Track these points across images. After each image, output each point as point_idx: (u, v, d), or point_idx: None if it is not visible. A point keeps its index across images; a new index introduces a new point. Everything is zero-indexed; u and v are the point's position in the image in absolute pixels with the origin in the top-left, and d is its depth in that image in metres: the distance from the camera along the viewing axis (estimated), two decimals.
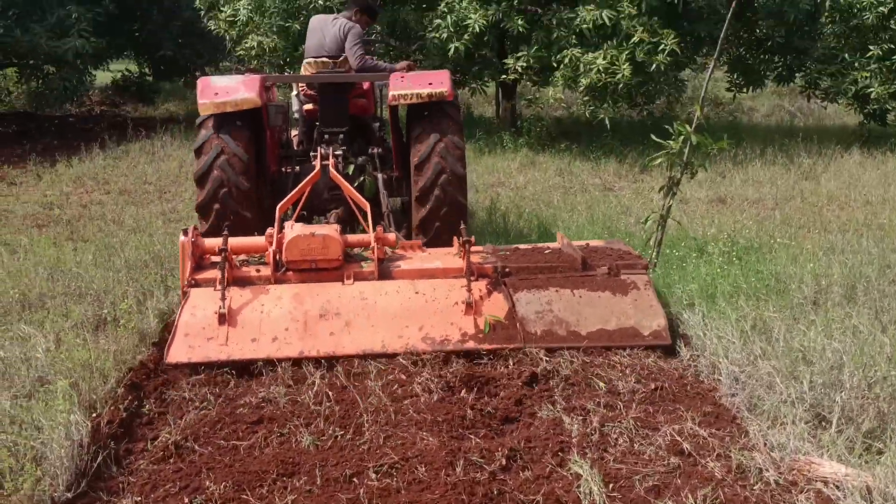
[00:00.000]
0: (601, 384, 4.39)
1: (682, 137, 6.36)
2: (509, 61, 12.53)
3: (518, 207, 9.34)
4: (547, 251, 5.41)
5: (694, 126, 6.34)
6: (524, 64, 12.29)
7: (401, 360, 4.62)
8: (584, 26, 11.86)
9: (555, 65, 12.16)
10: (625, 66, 11.43)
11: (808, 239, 7.55)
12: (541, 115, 15.42)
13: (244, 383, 4.50)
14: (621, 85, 11.59)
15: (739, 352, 4.50)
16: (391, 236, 5.23)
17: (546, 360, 4.57)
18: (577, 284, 4.95)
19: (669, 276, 5.96)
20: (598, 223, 7.97)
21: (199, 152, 5.88)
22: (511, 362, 4.64)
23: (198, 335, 4.61)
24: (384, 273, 4.98)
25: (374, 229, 5.11)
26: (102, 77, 21.35)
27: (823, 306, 5.28)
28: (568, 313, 4.80)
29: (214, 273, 4.83)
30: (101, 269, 6.19)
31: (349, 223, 6.14)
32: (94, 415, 4.02)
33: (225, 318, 4.62)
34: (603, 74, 11.52)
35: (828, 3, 13.47)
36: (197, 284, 4.89)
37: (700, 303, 5.25)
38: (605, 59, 11.51)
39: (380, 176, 6.56)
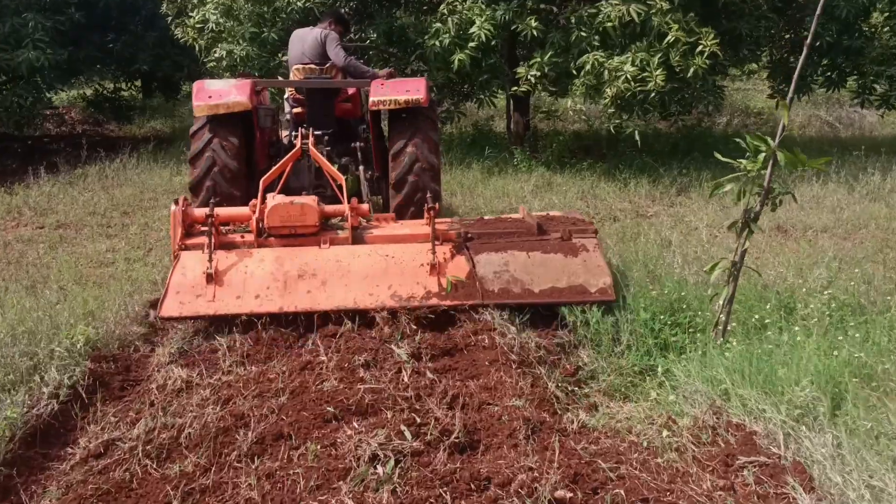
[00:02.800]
0: None
1: (762, 156, 4.53)
2: (521, 70, 10.73)
3: None
4: (508, 220, 5.85)
5: (779, 139, 4.53)
6: (538, 73, 10.49)
7: None
8: (609, 24, 10.07)
9: (574, 72, 10.36)
10: (657, 73, 9.62)
11: None
12: (558, 130, 13.68)
13: None
14: (653, 93, 9.77)
15: None
16: (364, 206, 5.67)
17: None
18: (533, 247, 5.36)
19: (757, 357, 4.11)
20: (637, 264, 6.13)
21: (193, 160, 6.53)
22: None
23: (188, 293, 5.01)
24: (357, 239, 5.43)
25: (350, 201, 5.57)
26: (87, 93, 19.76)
27: None
28: (523, 273, 5.22)
29: (202, 239, 5.23)
30: None
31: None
32: None
33: (212, 278, 5.04)
34: (632, 82, 9.70)
35: None
36: (187, 248, 5.29)
37: (822, 411, 3.41)
38: (633, 64, 9.70)
39: (361, 171, 6.91)
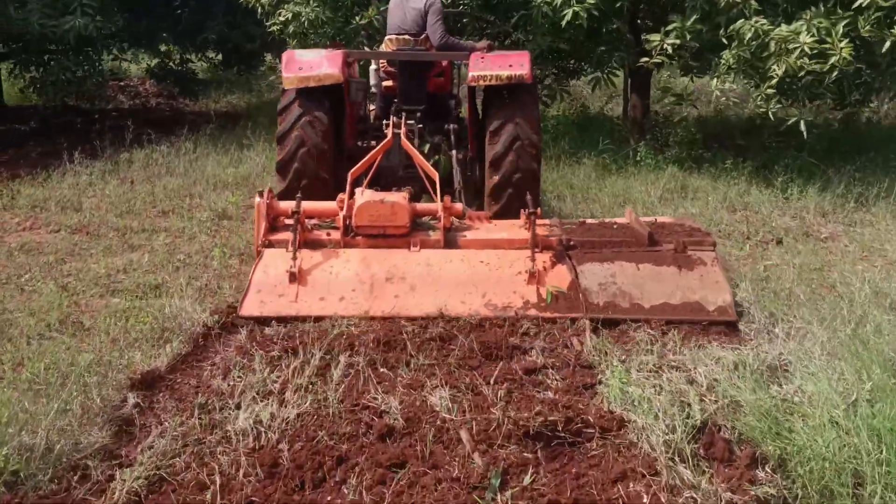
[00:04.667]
0: None
1: None
2: (654, 38, 8.49)
3: None
4: (614, 226, 5.35)
5: None
6: (677, 41, 8.26)
7: None
8: None
9: (724, 41, 8.09)
10: (843, 45, 7.28)
11: None
12: (680, 115, 11.40)
13: None
14: (836, 73, 7.41)
15: None
16: (458, 206, 5.28)
17: None
18: (643, 259, 4.87)
19: None
20: (871, 351, 3.99)
21: (283, 130, 6.04)
22: None
23: (270, 292, 4.75)
24: (450, 242, 5.09)
25: (443, 199, 5.15)
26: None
27: None
28: (631, 286, 4.73)
29: (287, 235, 4.95)
30: None
31: (421, 199, 6.00)
32: None
33: (295, 277, 4.77)
34: (808, 58, 7.37)
35: None
36: (271, 245, 5.04)
37: None
38: (810, 33, 7.38)
39: (454, 153, 6.41)
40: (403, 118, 6.24)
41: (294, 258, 4.80)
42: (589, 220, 5.53)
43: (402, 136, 5.97)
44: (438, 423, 3.46)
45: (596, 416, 3.46)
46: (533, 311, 4.59)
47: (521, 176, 5.87)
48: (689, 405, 3.58)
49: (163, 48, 15.32)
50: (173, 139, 10.67)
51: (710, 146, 10.17)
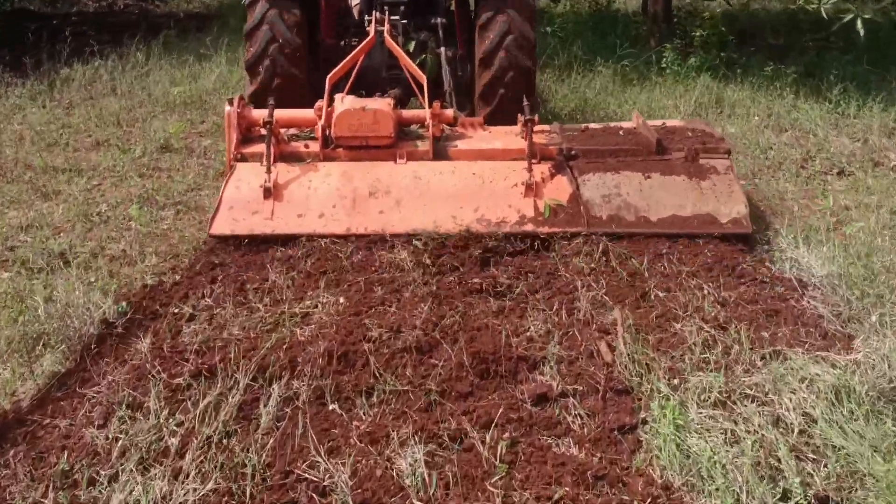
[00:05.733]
0: None
1: None
2: None
3: None
4: (620, 132, 4.85)
5: None
6: None
7: None
8: None
9: None
10: None
11: None
12: (716, 13, 9.88)
13: None
14: None
15: None
16: (449, 113, 4.80)
17: None
18: (650, 169, 4.44)
19: None
20: None
21: (248, 36, 5.53)
22: None
23: (242, 209, 4.35)
24: (440, 153, 4.65)
25: (432, 105, 4.64)
26: None
27: None
28: (638, 198, 4.33)
29: (261, 147, 4.51)
30: None
31: (408, 104, 5.56)
32: None
33: (270, 193, 4.38)
34: None
35: None
36: (243, 158, 4.60)
37: None
38: None
39: (443, 51, 5.72)
40: (387, 13, 5.60)
41: (268, 172, 4.37)
42: (592, 126, 4.99)
43: (387, 35, 5.34)
44: None
45: (645, 500, 2.29)
46: (529, 227, 4.21)
47: (514, 74, 5.34)
48: (780, 469, 2.42)
49: None
50: (122, 50, 9.22)
51: (742, 48, 8.74)
